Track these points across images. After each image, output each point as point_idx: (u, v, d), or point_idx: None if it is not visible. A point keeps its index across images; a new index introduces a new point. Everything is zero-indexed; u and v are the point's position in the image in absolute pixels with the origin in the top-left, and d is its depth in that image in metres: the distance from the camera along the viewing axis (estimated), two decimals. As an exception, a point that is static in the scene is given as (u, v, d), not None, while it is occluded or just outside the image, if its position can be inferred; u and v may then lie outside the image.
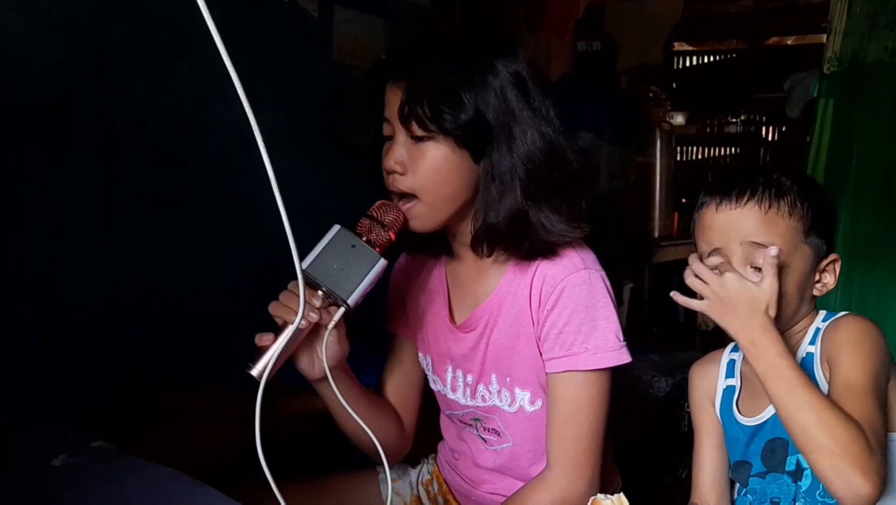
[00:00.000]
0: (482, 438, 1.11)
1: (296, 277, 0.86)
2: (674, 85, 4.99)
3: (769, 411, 0.94)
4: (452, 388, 1.10)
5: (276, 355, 0.85)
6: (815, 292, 0.94)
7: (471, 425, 1.12)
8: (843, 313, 0.94)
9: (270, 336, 0.87)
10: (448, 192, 0.94)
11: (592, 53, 3.30)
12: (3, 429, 1.01)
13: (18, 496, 0.82)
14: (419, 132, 0.92)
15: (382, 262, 0.89)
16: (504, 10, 2.81)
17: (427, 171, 0.93)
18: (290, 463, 0.85)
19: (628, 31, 3.40)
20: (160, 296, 1.50)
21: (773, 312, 0.85)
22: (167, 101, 1.50)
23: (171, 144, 1.52)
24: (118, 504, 0.82)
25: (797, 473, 0.92)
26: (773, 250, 0.85)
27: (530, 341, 1.00)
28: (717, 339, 0.91)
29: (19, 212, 1.27)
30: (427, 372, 1.15)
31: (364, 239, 0.90)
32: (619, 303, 1.03)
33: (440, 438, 1.23)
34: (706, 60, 5.58)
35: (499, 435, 1.08)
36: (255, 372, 0.85)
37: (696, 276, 0.89)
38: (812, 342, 0.93)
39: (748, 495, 0.98)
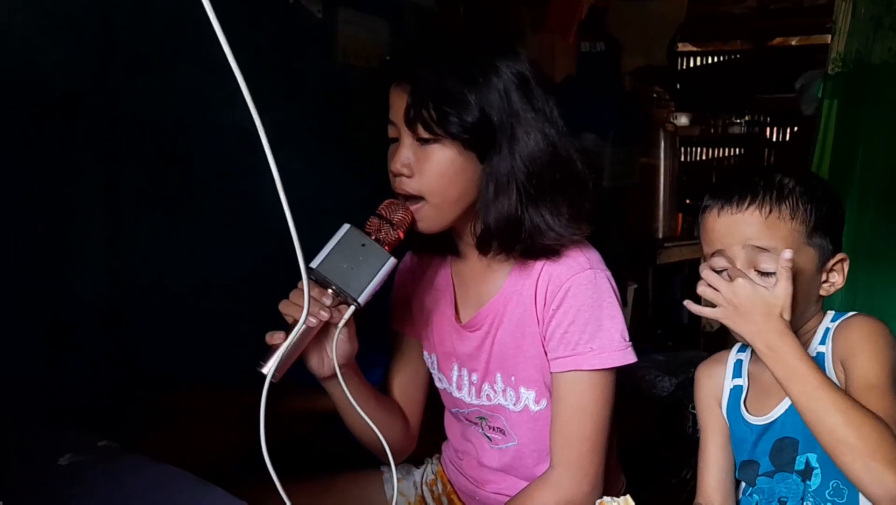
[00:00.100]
0: (487, 437, 1.11)
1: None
2: (678, 86, 4.97)
3: (778, 411, 0.94)
4: (458, 386, 1.10)
5: (285, 353, 0.85)
6: (823, 292, 0.94)
7: (476, 424, 1.12)
8: (852, 314, 0.94)
9: (281, 334, 0.88)
10: (454, 194, 0.95)
11: (596, 54, 3.30)
12: (9, 429, 1.02)
13: (26, 494, 0.83)
14: (425, 135, 0.92)
15: (392, 260, 0.90)
16: (507, 11, 2.81)
17: (433, 173, 0.93)
18: (291, 463, 0.85)
19: (632, 32, 3.39)
20: (162, 296, 1.50)
21: (787, 316, 0.85)
22: (170, 101, 1.50)
23: (173, 144, 1.52)
24: (124, 502, 0.82)
25: (806, 473, 0.92)
26: (788, 254, 0.85)
27: (535, 341, 1.00)
28: (720, 339, 0.91)
29: (21, 211, 1.27)
30: (432, 370, 1.15)
31: (373, 238, 0.91)
32: (623, 304, 1.03)
33: (444, 438, 1.24)
34: (710, 61, 5.57)
35: (504, 434, 1.09)
36: (265, 370, 0.85)
37: (708, 284, 0.89)
38: (822, 342, 0.93)
39: (754, 495, 0.98)
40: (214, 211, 1.61)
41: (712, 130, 5.28)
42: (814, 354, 0.93)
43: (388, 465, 0.94)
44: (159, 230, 1.50)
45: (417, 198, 0.95)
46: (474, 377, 1.08)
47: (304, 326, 0.83)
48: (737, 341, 0.98)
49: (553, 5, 2.93)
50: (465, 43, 0.99)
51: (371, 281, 0.89)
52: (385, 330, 1.18)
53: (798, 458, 0.92)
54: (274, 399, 0.80)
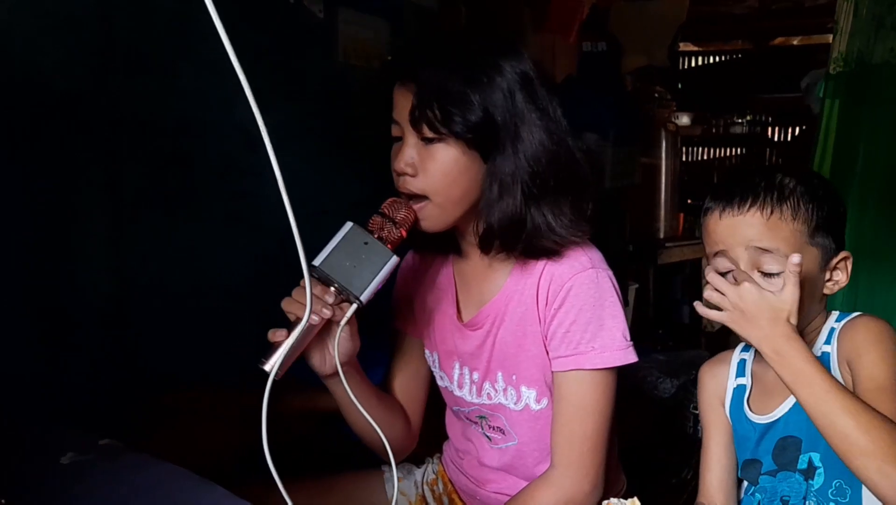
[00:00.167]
0: (487, 437, 1.11)
1: (309, 274, 0.87)
2: (679, 85, 4.97)
3: (781, 410, 0.94)
4: (459, 385, 1.10)
5: (287, 351, 0.86)
6: (827, 291, 0.94)
7: (476, 423, 1.12)
8: (857, 314, 0.93)
9: (283, 332, 0.88)
10: (458, 194, 0.95)
11: (597, 54, 3.30)
12: (10, 428, 1.02)
13: (28, 493, 0.83)
14: (429, 134, 0.92)
15: (395, 258, 0.90)
16: (508, 11, 2.81)
17: (437, 173, 0.94)
18: (292, 463, 0.86)
19: (633, 32, 3.39)
20: (163, 295, 1.50)
21: (794, 321, 0.85)
22: (170, 101, 1.51)
23: (173, 144, 1.52)
24: (126, 501, 0.82)
25: (809, 472, 0.92)
26: (796, 259, 0.84)
27: (537, 340, 1.01)
28: (721, 340, 0.91)
29: (21, 211, 1.27)
30: (434, 369, 1.15)
31: (376, 236, 0.91)
32: (623, 304, 1.03)
33: (445, 437, 1.24)
34: (711, 61, 5.57)
35: (504, 433, 1.09)
36: (267, 367, 0.86)
37: (714, 288, 0.88)
38: (828, 342, 0.93)
39: (757, 494, 0.98)
40: (215, 211, 1.61)
41: (714, 130, 5.28)
42: (819, 354, 0.93)
43: (389, 463, 0.94)
44: (160, 230, 1.50)
45: (421, 197, 0.95)
46: (475, 376, 1.08)
47: (306, 323, 0.83)
48: (740, 341, 0.98)
49: (554, 5, 2.93)
50: (469, 43, 0.99)
51: (373, 279, 0.89)
52: (387, 328, 1.18)
53: (801, 457, 0.92)
54: (275, 398, 0.80)
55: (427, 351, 1.15)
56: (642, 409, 1.83)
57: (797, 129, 5.24)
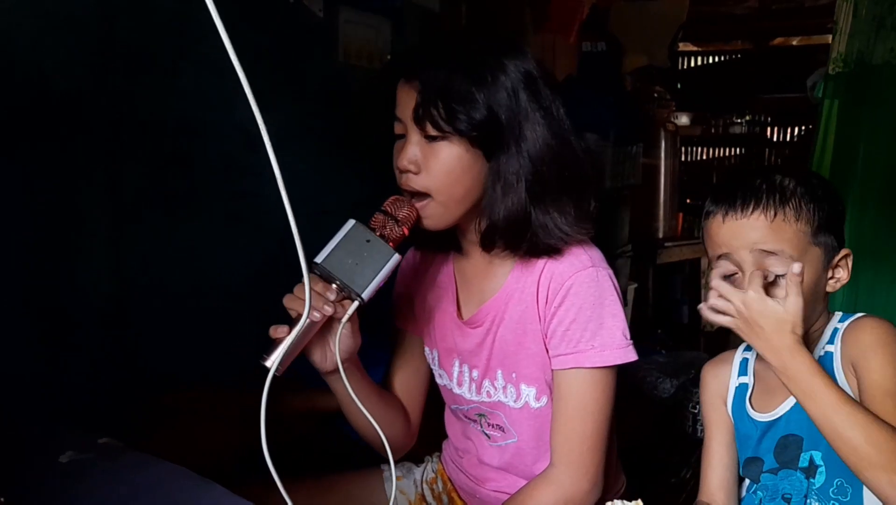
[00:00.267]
0: (486, 435, 1.11)
1: (311, 272, 0.88)
2: (679, 85, 4.97)
3: (783, 408, 0.95)
4: (458, 382, 1.10)
5: (289, 347, 0.86)
6: (829, 288, 0.94)
7: (475, 421, 1.12)
8: (860, 315, 0.93)
9: (285, 328, 0.88)
10: (461, 192, 0.95)
11: (597, 54, 3.30)
12: (10, 427, 1.02)
13: (28, 492, 0.83)
14: (433, 132, 0.93)
15: (396, 256, 0.91)
16: (509, 11, 2.81)
17: (441, 170, 0.94)
18: (291, 463, 0.86)
19: (633, 32, 3.39)
20: (164, 295, 1.50)
21: (800, 331, 0.84)
22: (171, 101, 1.51)
23: (175, 143, 1.52)
24: (125, 500, 0.82)
25: (810, 470, 0.92)
26: (797, 268, 0.84)
27: (537, 338, 1.01)
28: (721, 340, 0.91)
29: (22, 211, 1.27)
30: (433, 366, 1.15)
31: (378, 234, 0.91)
32: (623, 303, 1.03)
33: (444, 436, 1.24)
34: (711, 61, 5.57)
35: (503, 431, 1.09)
36: (269, 363, 0.86)
37: (719, 294, 0.88)
38: (831, 342, 0.93)
39: (758, 492, 0.98)
40: (215, 210, 1.61)
41: (713, 130, 5.29)
42: (822, 354, 0.93)
43: (388, 461, 0.94)
44: (160, 230, 1.50)
45: (423, 195, 0.95)
46: (475, 373, 1.08)
47: (307, 320, 0.83)
48: (741, 341, 0.98)
49: (554, 5, 2.93)
50: (473, 42, 0.99)
51: (375, 277, 0.89)
52: (388, 328, 1.18)
53: (802, 455, 0.93)
54: (274, 398, 0.81)
55: (427, 349, 1.15)
56: (642, 409, 1.83)
57: (797, 130, 5.25)
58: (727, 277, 0.92)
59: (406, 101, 0.94)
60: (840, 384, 0.88)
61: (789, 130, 5.32)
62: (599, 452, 0.99)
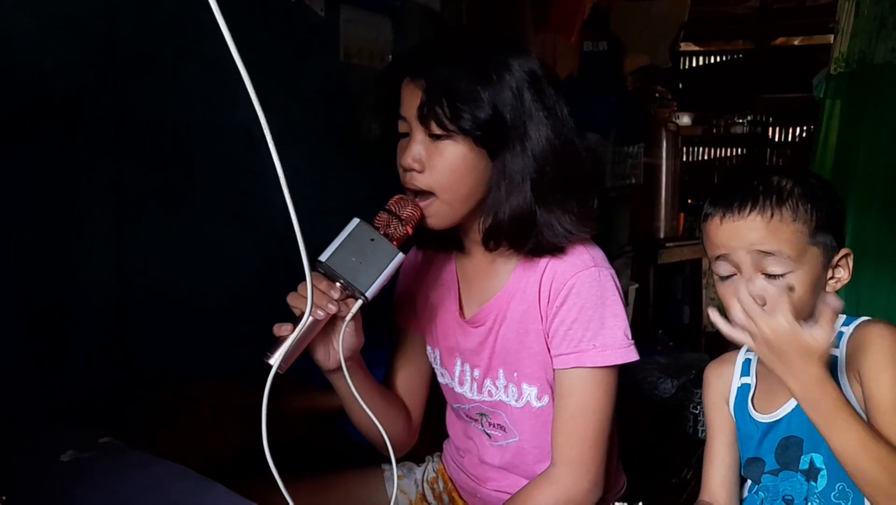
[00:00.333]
0: (487, 434, 1.11)
1: (315, 271, 0.88)
2: (680, 85, 4.97)
3: (784, 409, 0.95)
4: (460, 382, 1.10)
5: (292, 344, 0.86)
6: (829, 288, 0.94)
7: (476, 420, 1.12)
8: (866, 319, 0.93)
9: (289, 326, 0.88)
10: (465, 191, 0.95)
11: (598, 54, 3.30)
12: (11, 426, 1.02)
13: (29, 491, 0.83)
14: (437, 131, 0.93)
15: (400, 255, 0.91)
16: (510, 10, 2.81)
17: (445, 169, 0.94)
18: (292, 463, 0.86)
19: (635, 32, 3.39)
20: (166, 293, 1.50)
21: (825, 360, 0.82)
22: (172, 100, 1.51)
23: (177, 142, 1.52)
24: (126, 499, 0.82)
25: (811, 473, 0.92)
26: (836, 302, 0.82)
27: (539, 337, 1.01)
28: (722, 340, 0.91)
29: (22, 210, 1.27)
30: (435, 365, 1.15)
31: (382, 232, 0.92)
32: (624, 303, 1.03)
33: (445, 436, 1.24)
34: (713, 61, 5.57)
35: (504, 430, 1.09)
36: (272, 361, 0.86)
37: (743, 310, 0.84)
38: (836, 345, 0.92)
39: (760, 493, 0.98)
40: (216, 209, 1.62)
41: (714, 130, 5.29)
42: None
43: (390, 459, 0.94)
44: (162, 229, 1.50)
45: (427, 193, 0.95)
46: (476, 373, 1.08)
47: (309, 318, 0.83)
48: None
49: (555, 5, 2.93)
50: (478, 41, 0.99)
51: (379, 276, 0.90)
52: (390, 327, 1.18)
53: (802, 457, 0.92)
54: (275, 398, 0.81)
55: (429, 347, 1.15)
56: (642, 409, 1.83)
57: (798, 130, 5.24)
58: (724, 278, 0.92)
59: (411, 100, 0.94)
60: (843, 390, 0.87)
61: (791, 130, 5.32)
62: (600, 452, 0.99)
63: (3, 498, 0.75)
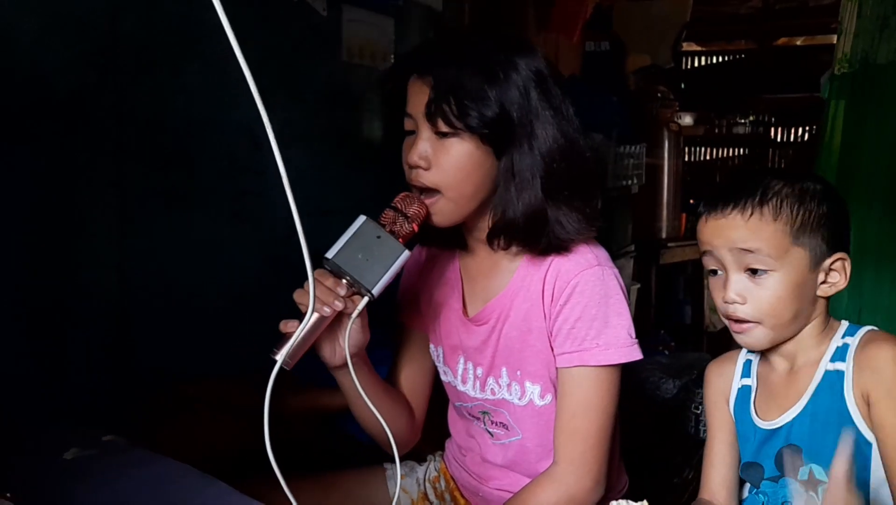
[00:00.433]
0: (489, 433, 1.11)
1: (322, 266, 0.88)
2: (682, 85, 4.97)
3: (785, 418, 0.94)
4: (463, 380, 1.11)
5: (298, 341, 0.86)
6: (821, 293, 0.92)
7: (478, 419, 1.12)
8: (871, 330, 0.90)
9: (295, 322, 0.89)
10: (471, 189, 0.96)
11: (600, 54, 3.30)
12: (14, 424, 1.02)
13: (32, 489, 0.83)
14: (444, 128, 0.93)
15: (406, 253, 0.91)
16: (512, 10, 2.81)
17: (451, 167, 0.94)
18: (293, 463, 0.86)
19: (637, 32, 3.39)
20: (168, 292, 1.51)
21: None
22: (178, 99, 1.51)
23: (179, 141, 1.53)
24: (129, 497, 0.82)
25: (811, 484, 0.91)
26: (848, 440, 0.77)
27: (542, 336, 1.01)
28: (724, 340, 0.91)
29: (24, 209, 1.27)
30: (437, 363, 1.16)
31: (388, 230, 0.92)
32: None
33: (447, 435, 1.24)
34: (715, 61, 5.57)
35: (507, 429, 1.09)
36: (278, 357, 0.86)
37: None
38: (840, 358, 0.90)
39: (760, 496, 0.98)
40: (219, 208, 1.62)
41: (716, 130, 5.29)
42: (825, 370, 0.90)
43: (392, 457, 0.94)
44: (164, 228, 1.50)
45: (433, 191, 0.95)
46: (479, 371, 1.08)
47: (315, 315, 0.84)
48: None
49: (558, 5, 2.93)
50: (485, 40, 0.99)
51: (385, 273, 0.90)
52: (392, 323, 1.19)
53: (802, 469, 0.92)
54: (278, 397, 0.81)
55: (432, 345, 1.16)
56: (644, 409, 1.83)
57: (800, 130, 5.24)
58: (711, 273, 0.94)
59: (418, 97, 0.94)
60: (850, 409, 0.86)
61: (793, 131, 5.32)
62: (603, 451, 0.99)
63: (8, 495, 0.75)
